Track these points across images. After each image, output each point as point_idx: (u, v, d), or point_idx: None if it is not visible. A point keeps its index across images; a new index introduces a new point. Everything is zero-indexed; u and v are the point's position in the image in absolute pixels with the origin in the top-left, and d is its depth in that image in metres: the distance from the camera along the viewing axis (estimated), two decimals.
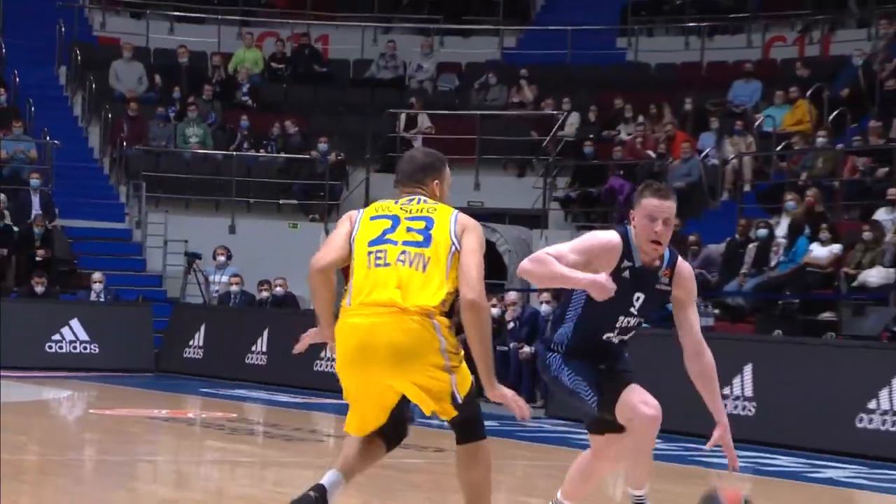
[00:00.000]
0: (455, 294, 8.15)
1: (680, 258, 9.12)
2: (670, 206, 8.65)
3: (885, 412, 22.38)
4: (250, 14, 43.97)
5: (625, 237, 8.73)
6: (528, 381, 30.43)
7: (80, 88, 41.46)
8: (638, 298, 8.73)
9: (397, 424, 8.77)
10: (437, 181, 8.58)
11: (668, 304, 9.20)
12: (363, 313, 8.14)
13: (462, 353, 8.29)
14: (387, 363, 8.08)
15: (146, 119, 39.81)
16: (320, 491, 8.29)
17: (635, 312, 8.80)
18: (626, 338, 9.11)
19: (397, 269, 8.14)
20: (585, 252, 8.65)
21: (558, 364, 9.18)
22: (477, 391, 8.54)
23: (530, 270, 8.82)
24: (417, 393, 8.24)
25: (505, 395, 8.18)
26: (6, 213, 36.29)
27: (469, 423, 8.61)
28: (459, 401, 8.32)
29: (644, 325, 9.49)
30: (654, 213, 8.55)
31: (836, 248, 28.84)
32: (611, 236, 8.84)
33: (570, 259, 8.50)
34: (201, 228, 38.09)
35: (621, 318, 8.79)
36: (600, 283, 8.22)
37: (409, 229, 8.31)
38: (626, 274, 8.53)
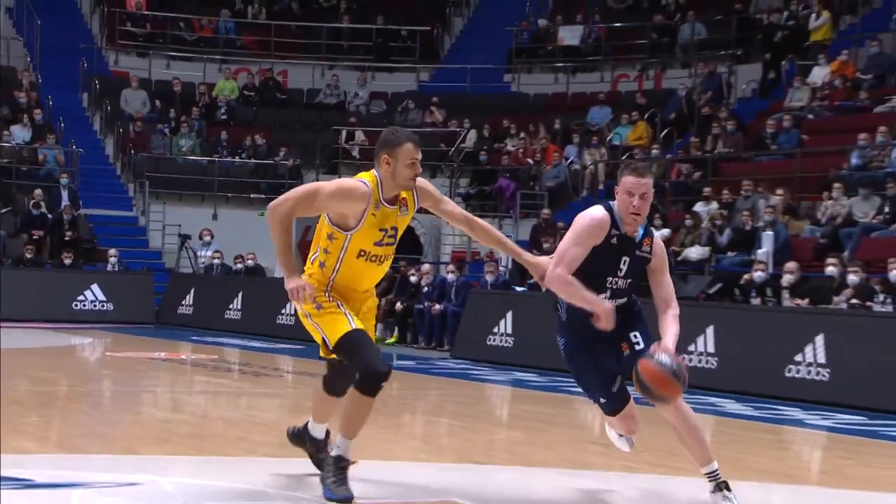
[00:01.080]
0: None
1: (653, 230, 9.49)
2: (647, 182, 8.90)
3: (701, 353, 22.48)
4: (228, 54, 44.34)
5: (610, 211, 8.95)
6: (438, 332, 30.83)
7: (98, 110, 41.99)
8: (624, 262, 8.88)
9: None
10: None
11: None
12: None
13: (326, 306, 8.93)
14: None
15: (149, 133, 40.56)
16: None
17: (622, 274, 8.92)
18: (619, 302, 9.02)
19: None
20: (583, 238, 8.89)
21: (565, 353, 9.54)
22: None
23: (559, 290, 9.08)
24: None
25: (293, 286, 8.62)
26: (42, 203, 36.93)
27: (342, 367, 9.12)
28: (329, 346, 8.83)
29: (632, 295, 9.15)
30: (633, 188, 8.77)
31: (666, 232, 29.61)
32: (598, 213, 8.98)
33: (575, 253, 8.84)
34: (191, 216, 39.16)
35: (610, 278, 8.94)
36: (608, 315, 8.71)
37: None
38: (614, 241, 8.79)
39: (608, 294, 8.94)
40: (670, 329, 8.84)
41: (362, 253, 8.72)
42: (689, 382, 19.07)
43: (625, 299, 9.04)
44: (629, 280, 9.02)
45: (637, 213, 8.71)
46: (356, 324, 8.77)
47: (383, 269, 9.34)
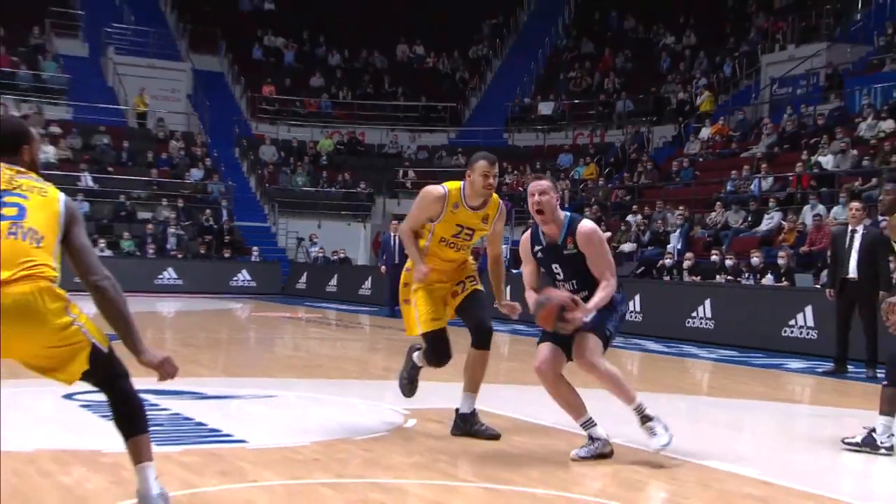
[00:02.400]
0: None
1: (581, 222, 7.86)
2: (543, 183, 7.85)
3: (632, 311, 21.36)
4: (327, 122, 43.75)
5: (534, 229, 7.99)
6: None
7: (245, 159, 41.52)
8: (556, 268, 7.81)
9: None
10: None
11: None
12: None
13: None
14: None
15: (277, 173, 40.13)
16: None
17: (562, 278, 7.78)
18: (582, 295, 7.60)
19: None
20: (524, 256, 8.08)
21: None
22: None
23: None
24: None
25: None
26: (210, 219, 36.98)
27: None
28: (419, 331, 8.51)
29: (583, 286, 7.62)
30: (531, 190, 7.77)
31: (607, 234, 28.69)
32: (524, 235, 8.14)
33: (528, 269, 8.01)
34: (303, 225, 38.72)
35: (559, 284, 7.80)
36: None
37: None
38: (540, 254, 7.80)
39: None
40: (596, 295, 7.52)
41: (443, 240, 8.26)
42: (625, 331, 18.81)
43: (585, 292, 7.60)
44: (574, 280, 7.76)
45: (540, 211, 7.65)
46: (426, 327, 8.32)
47: (465, 254, 8.68)
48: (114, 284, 5.12)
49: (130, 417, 5.13)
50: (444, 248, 8.40)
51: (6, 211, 4.73)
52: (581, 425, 7.58)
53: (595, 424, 7.52)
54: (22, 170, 4.97)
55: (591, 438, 7.48)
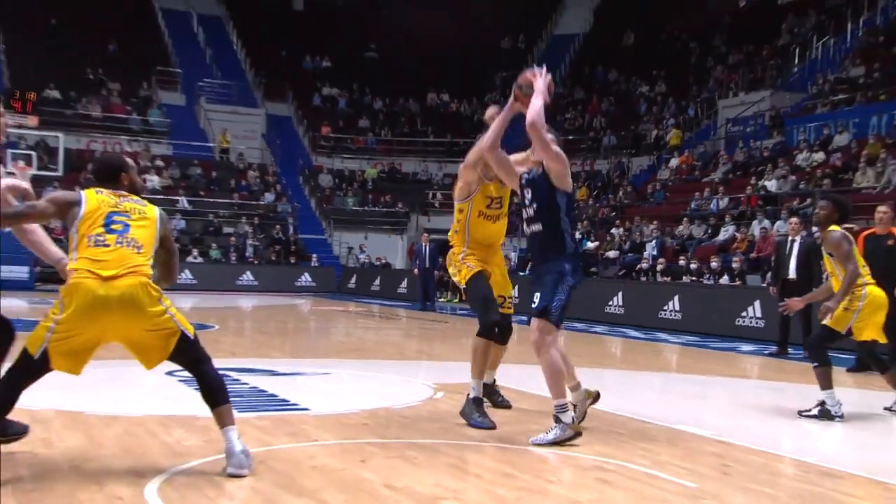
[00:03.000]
0: None
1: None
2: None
3: (615, 306, 22.42)
4: (372, 155, 43.32)
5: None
6: None
7: (307, 184, 41.09)
8: (528, 192, 6.66)
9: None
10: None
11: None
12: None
13: None
14: None
15: (333, 196, 39.82)
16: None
17: (528, 203, 6.73)
18: (533, 230, 6.74)
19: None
20: (512, 165, 7.02)
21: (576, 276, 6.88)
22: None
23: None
24: None
25: None
26: (280, 232, 36.59)
27: None
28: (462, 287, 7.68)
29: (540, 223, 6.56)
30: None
31: (596, 243, 28.62)
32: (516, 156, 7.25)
33: (507, 159, 7.08)
34: (353, 238, 38.37)
35: (525, 208, 6.80)
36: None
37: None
38: (524, 178, 6.78)
39: (526, 225, 6.87)
40: (536, 101, 6.57)
41: (480, 213, 7.45)
42: (610, 321, 18.38)
43: (538, 225, 6.67)
44: (535, 205, 6.67)
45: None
46: (484, 281, 7.39)
47: (500, 227, 7.74)
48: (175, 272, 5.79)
49: (213, 392, 5.37)
50: (483, 221, 7.52)
51: (115, 227, 5.13)
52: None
53: (567, 410, 6.56)
54: (124, 193, 5.37)
55: (557, 419, 6.48)
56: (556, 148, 6.60)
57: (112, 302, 4.96)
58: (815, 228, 8.35)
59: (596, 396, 7.21)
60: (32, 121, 33.11)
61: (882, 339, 8.41)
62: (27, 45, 38.45)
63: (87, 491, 4.86)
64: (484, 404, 7.41)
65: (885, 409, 8.65)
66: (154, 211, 5.39)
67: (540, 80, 6.61)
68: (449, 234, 7.86)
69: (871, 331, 8.26)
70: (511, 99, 6.89)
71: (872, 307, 8.26)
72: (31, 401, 7.42)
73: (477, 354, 7.33)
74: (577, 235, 33.03)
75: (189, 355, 5.33)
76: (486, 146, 6.97)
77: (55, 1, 41.60)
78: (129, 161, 5.58)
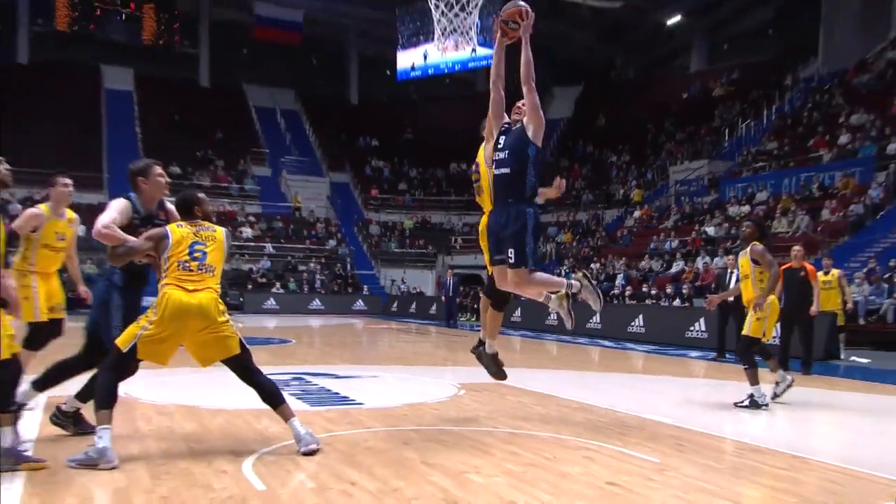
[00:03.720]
0: None
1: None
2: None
3: (595, 322, 21.94)
4: (409, 210, 42.81)
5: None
6: None
7: (360, 233, 40.59)
8: (501, 139, 5.97)
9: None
10: None
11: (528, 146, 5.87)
12: None
13: None
14: None
15: (380, 242, 39.53)
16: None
17: (500, 148, 5.97)
18: (501, 172, 5.95)
19: None
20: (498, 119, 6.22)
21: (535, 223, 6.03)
22: None
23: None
24: None
25: None
26: (339, 268, 36.69)
27: None
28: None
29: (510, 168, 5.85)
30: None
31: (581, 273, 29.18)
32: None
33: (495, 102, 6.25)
34: (394, 273, 37.94)
35: (496, 151, 6.08)
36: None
37: None
38: (504, 125, 6.10)
39: (494, 167, 6.06)
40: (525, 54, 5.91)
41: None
42: (589, 333, 17.94)
43: (507, 169, 5.91)
44: (506, 152, 5.95)
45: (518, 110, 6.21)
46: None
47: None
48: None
49: (271, 396, 5.43)
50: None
51: (196, 255, 5.23)
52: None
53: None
54: (199, 222, 5.41)
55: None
56: (539, 105, 5.90)
57: (193, 309, 5.07)
58: (738, 245, 8.41)
59: (567, 296, 6.11)
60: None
61: (769, 335, 8.42)
62: (158, 134, 38.96)
63: (199, 466, 4.93)
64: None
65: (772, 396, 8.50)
66: (222, 232, 5.46)
67: (525, 21, 5.89)
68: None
69: (768, 331, 8.33)
70: (499, 34, 6.10)
71: (772, 313, 8.30)
72: (158, 397, 7.53)
73: (483, 315, 6.78)
74: (544, 247, 33.42)
75: (242, 362, 5.37)
76: (492, 79, 6.20)
77: (177, 102, 42.33)
78: (201, 196, 5.56)
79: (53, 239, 6.59)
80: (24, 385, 5.62)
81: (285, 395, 5.68)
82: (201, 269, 5.20)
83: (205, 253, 5.27)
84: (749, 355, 8.15)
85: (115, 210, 5.38)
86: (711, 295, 14.33)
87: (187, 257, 5.20)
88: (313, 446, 5.29)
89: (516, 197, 5.88)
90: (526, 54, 5.88)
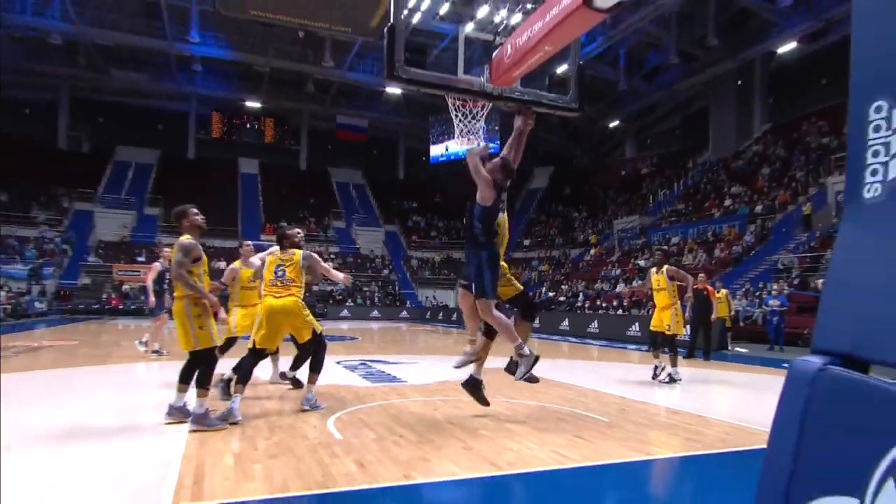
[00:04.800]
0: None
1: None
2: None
3: (566, 328, 21.15)
4: (438, 250, 40.74)
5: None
6: None
7: (405, 265, 39.15)
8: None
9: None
10: None
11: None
12: None
13: None
14: None
15: (419, 270, 38.17)
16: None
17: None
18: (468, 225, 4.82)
19: None
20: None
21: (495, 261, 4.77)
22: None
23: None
24: None
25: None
26: (397, 289, 36.10)
27: None
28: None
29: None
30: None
31: (552, 293, 29.11)
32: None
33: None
34: (429, 293, 36.67)
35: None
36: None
37: None
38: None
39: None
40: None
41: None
42: (561, 333, 17.49)
43: (467, 220, 4.98)
44: (468, 205, 4.91)
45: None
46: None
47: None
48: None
49: (317, 365, 5.38)
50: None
51: (279, 273, 5.22)
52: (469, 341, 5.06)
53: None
54: (288, 248, 5.40)
55: (520, 356, 4.79)
56: (483, 172, 4.78)
57: (279, 309, 5.11)
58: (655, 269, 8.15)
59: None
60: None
61: (680, 332, 8.09)
62: (273, 203, 39.24)
63: (299, 422, 4.88)
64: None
65: (661, 378, 7.94)
66: (299, 254, 5.36)
67: (519, 119, 4.92)
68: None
69: (677, 328, 7.94)
70: (521, 124, 5.05)
71: (680, 317, 7.93)
72: (270, 376, 7.45)
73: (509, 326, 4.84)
74: (529, 274, 33.49)
75: (316, 341, 5.32)
76: (513, 157, 5.04)
77: (285, 181, 42.39)
78: (289, 231, 5.42)
79: (247, 282, 6.58)
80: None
81: (355, 375, 5.69)
82: (283, 283, 5.18)
83: (284, 270, 5.24)
84: (673, 346, 7.94)
85: (258, 257, 6.05)
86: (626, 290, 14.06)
87: (273, 276, 5.23)
88: (311, 408, 5.31)
89: (471, 244, 4.82)
90: (479, 146, 4.99)
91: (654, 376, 7.98)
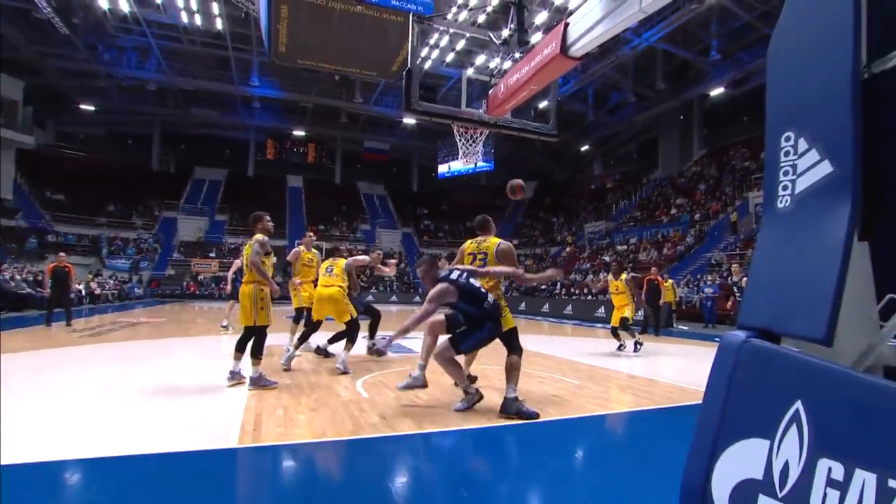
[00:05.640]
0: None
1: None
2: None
3: (545, 311, 20.98)
4: (444, 247, 39.14)
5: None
6: None
7: (416, 257, 40.43)
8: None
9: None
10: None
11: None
12: None
13: None
14: None
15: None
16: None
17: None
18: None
19: None
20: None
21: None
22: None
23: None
24: None
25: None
26: (407, 279, 35.21)
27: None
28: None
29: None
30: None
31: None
32: None
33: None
34: None
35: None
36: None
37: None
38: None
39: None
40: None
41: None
42: (544, 314, 17.11)
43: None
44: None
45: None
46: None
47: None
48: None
49: (350, 341, 5.40)
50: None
51: (327, 269, 5.49)
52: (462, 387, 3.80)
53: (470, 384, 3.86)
54: (334, 257, 5.66)
55: (466, 393, 3.83)
56: (429, 302, 3.67)
57: (325, 296, 5.40)
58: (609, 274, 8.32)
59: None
60: (310, 236, 33.48)
61: (631, 317, 8.06)
62: (314, 212, 38.80)
63: (333, 383, 4.83)
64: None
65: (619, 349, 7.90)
66: (342, 263, 5.61)
67: (410, 321, 3.54)
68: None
69: (629, 313, 8.01)
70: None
71: (632, 307, 8.02)
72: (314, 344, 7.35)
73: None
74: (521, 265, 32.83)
75: (352, 323, 5.48)
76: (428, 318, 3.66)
77: (324, 194, 41.59)
78: (341, 248, 5.96)
79: (307, 261, 6.71)
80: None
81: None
82: (330, 275, 5.47)
83: (331, 268, 5.57)
84: (628, 327, 7.96)
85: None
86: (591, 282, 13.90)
87: (324, 270, 5.59)
88: (343, 372, 5.31)
89: (481, 305, 3.66)
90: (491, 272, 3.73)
91: (619, 348, 7.90)
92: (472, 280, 3.58)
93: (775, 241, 1.62)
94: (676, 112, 29.89)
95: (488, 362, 5.93)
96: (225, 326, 9.55)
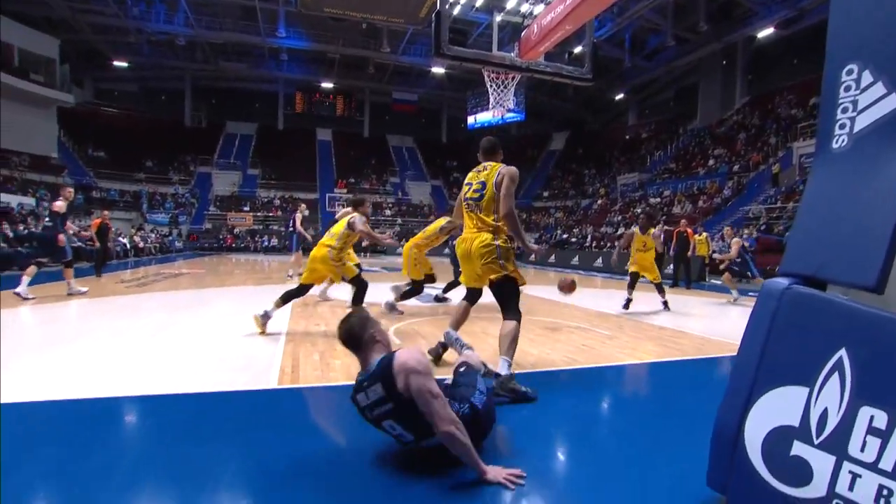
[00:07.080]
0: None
1: None
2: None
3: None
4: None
5: None
6: None
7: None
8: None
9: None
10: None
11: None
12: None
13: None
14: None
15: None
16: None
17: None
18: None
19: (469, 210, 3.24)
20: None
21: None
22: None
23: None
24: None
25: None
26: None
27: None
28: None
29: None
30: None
31: (566, 235, 28.21)
32: None
33: None
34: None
35: None
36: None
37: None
38: None
39: None
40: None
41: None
42: (558, 264, 16.63)
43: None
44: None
45: None
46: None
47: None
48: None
49: (358, 298, 5.07)
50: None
51: (332, 229, 5.11)
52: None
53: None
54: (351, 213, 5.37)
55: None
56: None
57: (315, 257, 4.91)
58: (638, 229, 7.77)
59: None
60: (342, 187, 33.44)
61: (659, 279, 7.44)
62: (343, 164, 38.74)
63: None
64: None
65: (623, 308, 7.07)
66: (343, 224, 5.02)
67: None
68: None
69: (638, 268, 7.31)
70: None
71: (647, 259, 7.22)
72: (338, 296, 7.51)
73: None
74: (549, 219, 32.00)
75: (354, 281, 5.05)
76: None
77: (353, 146, 41.45)
78: (363, 204, 5.20)
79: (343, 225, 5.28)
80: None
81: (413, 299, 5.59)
82: (328, 235, 5.00)
83: (330, 228, 5.09)
84: (660, 286, 7.50)
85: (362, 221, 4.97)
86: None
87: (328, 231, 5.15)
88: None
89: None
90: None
91: (625, 306, 6.99)
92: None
93: (827, 183, 1.54)
94: (719, 56, 28.07)
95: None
96: (290, 276, 9.92)
